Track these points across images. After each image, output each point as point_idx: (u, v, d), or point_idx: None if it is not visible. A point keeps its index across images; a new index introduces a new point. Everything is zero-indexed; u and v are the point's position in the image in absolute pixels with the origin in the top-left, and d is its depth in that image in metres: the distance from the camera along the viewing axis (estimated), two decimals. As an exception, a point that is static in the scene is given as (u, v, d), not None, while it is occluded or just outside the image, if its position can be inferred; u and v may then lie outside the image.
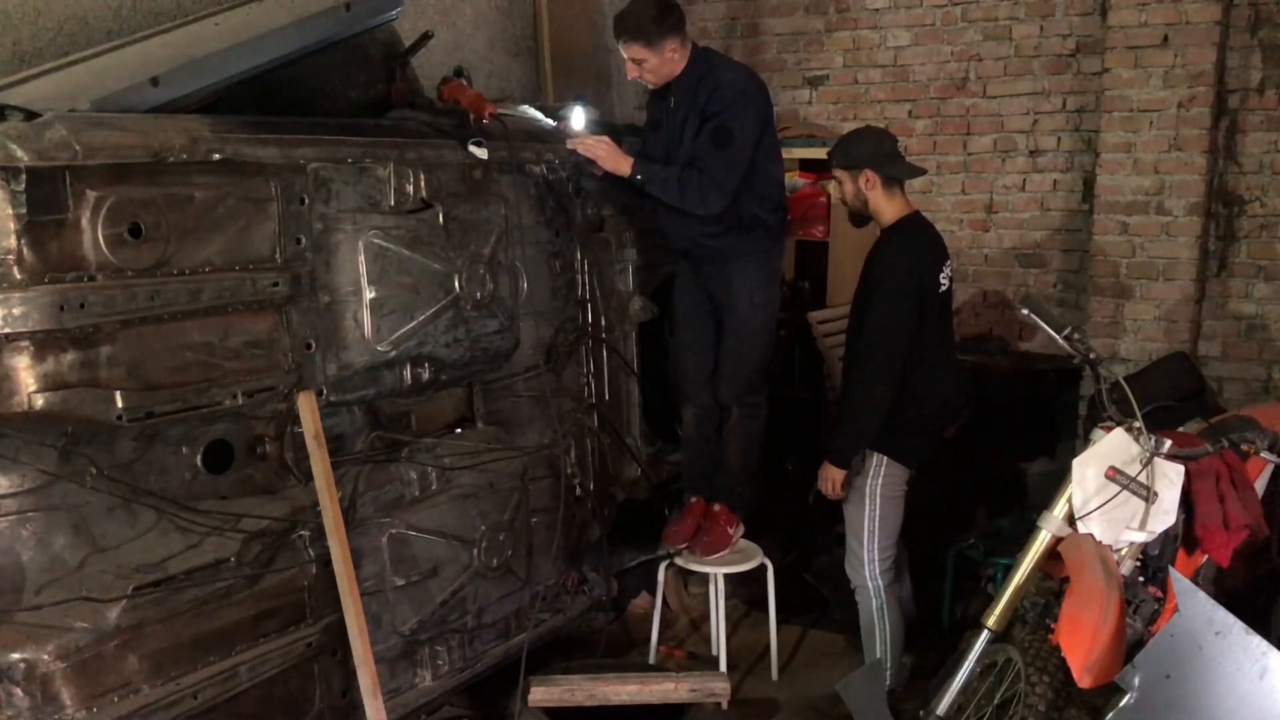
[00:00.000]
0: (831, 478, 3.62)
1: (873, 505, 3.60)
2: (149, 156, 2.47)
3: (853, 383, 3.61)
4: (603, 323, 4.07)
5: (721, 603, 3.85)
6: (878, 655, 3.66)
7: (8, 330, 2.29)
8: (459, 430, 3.46)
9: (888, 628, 3.68)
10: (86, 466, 2.50)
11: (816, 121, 5.68)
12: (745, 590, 4.53)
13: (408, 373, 3.12)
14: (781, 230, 3.97)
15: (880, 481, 3.59)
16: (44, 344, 2.34)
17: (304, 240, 2.86)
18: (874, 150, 3.53)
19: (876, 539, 3.62)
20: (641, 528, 4.34)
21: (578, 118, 3.89)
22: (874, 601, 3.67)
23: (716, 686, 3.33)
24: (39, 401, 2.34)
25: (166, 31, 3.08)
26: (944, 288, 3.56)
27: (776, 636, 4.09)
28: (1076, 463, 3.00)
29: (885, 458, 3.57)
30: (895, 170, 3.53)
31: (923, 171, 3.83)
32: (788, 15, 5.74)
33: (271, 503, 2.83)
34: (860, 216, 3.64)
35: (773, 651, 4.08)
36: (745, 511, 4.13)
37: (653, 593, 4.50)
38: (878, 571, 3.64)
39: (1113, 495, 2.93)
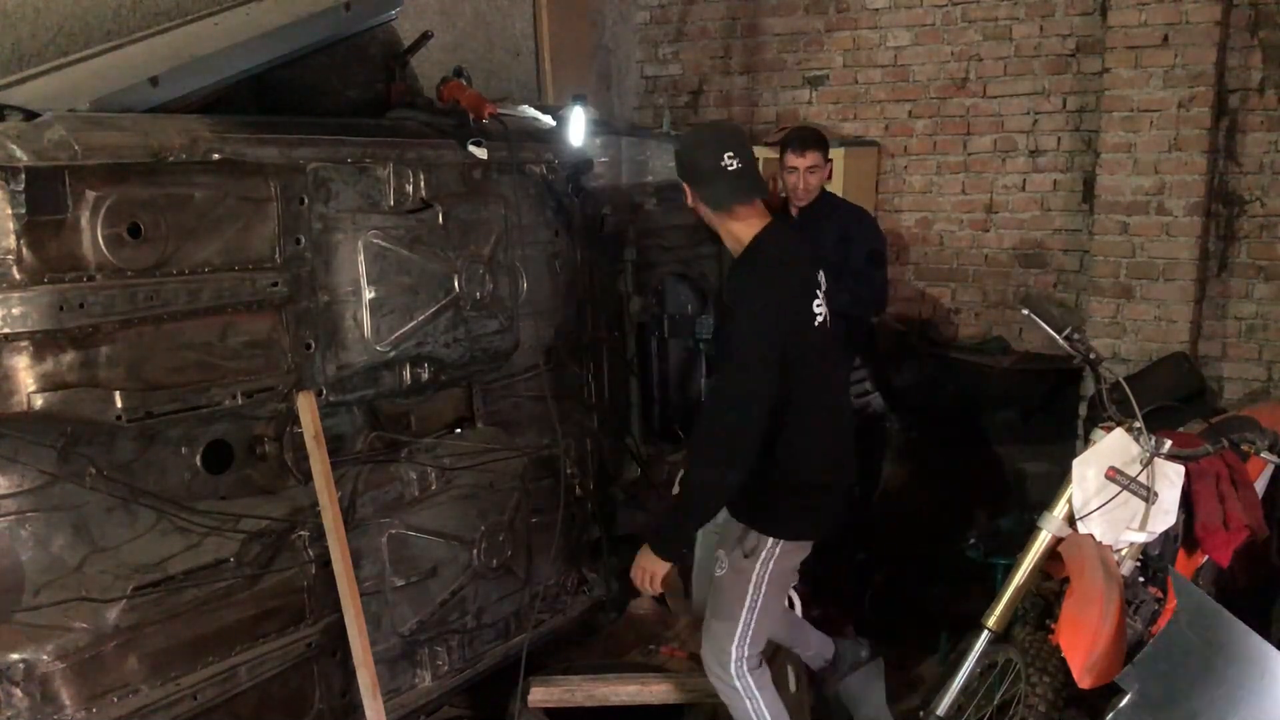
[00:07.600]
0: (652, 571, 2.90)
1: (756, 594, 2.91)
2: (148, 156, 2.47)
3: (698, 457, 2.93)
4: (603, 323, 4.07)
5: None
6: None
7: (7, 330, 2.29)
8: (459, 430, 3.45)
9: None
10: (86, 467, 2.49)
11: (816, 121, 5.67)
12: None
13: (407, 373, 3.12)
14: None
15: (771, 568, 2.91)
16: (43, 344, 2.34)
17: (303, 240, 2.86)
18: (692, 162, 2.87)
19: (750, 634, 2.94)
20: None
21: (577, 118, 3.89)
22: (747, 704, 2.97)
23: (716, 687, 3.33)
24: (38, 401, 2.34)
25: (166, 31, 3.09)
26: (818, 319, 2.89)
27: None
28: (1076, 463, 3.00)
29: (780, 541, 2.90)
30: (712, 195, 2.82)
31: (751, 198, 2.85)
32: (788, 15, 5.74)
33: (271, 503, 2.83)
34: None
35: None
36: None
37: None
38: (745, 670, 2.95)
39: (1113, 495, 2.94)
